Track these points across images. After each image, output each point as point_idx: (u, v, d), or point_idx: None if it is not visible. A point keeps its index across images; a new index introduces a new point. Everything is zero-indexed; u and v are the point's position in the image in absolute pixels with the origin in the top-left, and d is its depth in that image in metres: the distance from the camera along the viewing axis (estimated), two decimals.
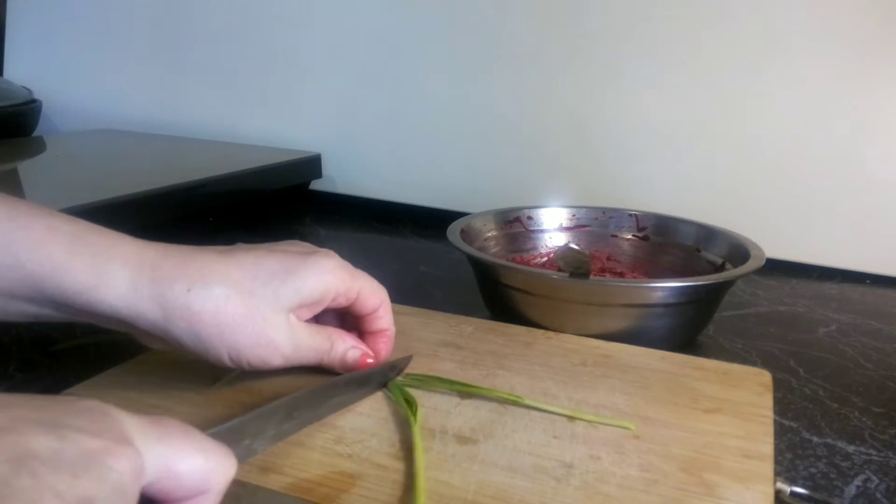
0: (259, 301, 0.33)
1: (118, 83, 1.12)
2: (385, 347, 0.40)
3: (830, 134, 0.70)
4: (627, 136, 0.78)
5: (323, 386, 0.35)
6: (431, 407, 0.37)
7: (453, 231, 0.56)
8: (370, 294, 0.38)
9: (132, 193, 0.68)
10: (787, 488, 0.33)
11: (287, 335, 0.35)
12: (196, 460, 0.23)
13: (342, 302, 0.38)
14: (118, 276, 0.31)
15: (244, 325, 0.33)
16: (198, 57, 1.03)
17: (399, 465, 0.32)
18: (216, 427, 0.28)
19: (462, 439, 0.34)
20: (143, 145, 1.00)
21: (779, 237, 0.70)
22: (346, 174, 0.95)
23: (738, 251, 0.54)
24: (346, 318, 0.41)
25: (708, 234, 0.59)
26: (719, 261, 0.57)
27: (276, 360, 0.35)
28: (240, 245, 0.37)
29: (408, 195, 0.91)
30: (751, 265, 0.50)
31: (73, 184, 0.76)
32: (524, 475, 0.31)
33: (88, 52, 1.12)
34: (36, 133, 1.08)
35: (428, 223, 0.85)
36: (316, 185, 0.96)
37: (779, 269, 0.72)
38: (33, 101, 1.06)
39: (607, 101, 0.79)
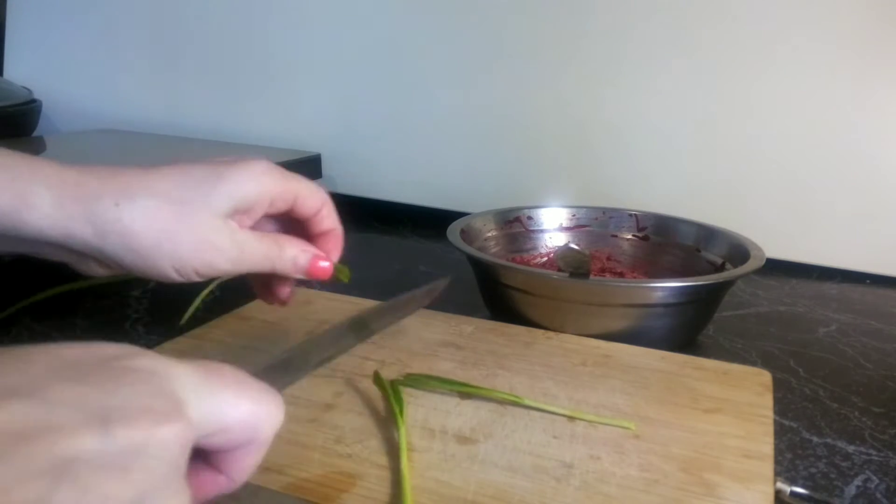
0: (190, 207, 0.33)
1: (118, 83, 1.12)
2: (335, 247, 0.39)
3: (830, 134, 0.70)
4: (627, 136, 0.78)
5: (370, 308, 0.36)
6: (431, 407, 0.37)
7: (453, 231, 0.56)
8: (309, 195, 0.37)
9: None
10: (787, 488, 0.33)
11: (228, 237, 0.34)
12: (247, 409, 0.22)
13: (280, 206, 0.36)
14: (41, 196, 0.31)
15: (180, 231, 0.32)
16: (198, 57, 1.03)
17: (399, 465, 0.32)
18: (265, 363, 0.28)
19: (462, 439, 0.34)
20: (143, 145, 1.00)
21: (779, 237, 0.70)
22: (346, 174, 0.95)
23: (738, 251, 0.54)
24: (289, 228, 0.40)
25: (708, 234, 0.59)
26: (719, 261, 0.57)
27: (223, 264, 0.34)
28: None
29: (408, 195, 0.91)
30: (751, 265, 0.50)
31: None
32: (524, 475, 0.31)
33: (88, 52, 1.12)
34: (36, 133, 1.08)
35: (428, 223, 0.85)
36: None
37: (779, 269, 0.72)
38: (33, 101, 1.06)
39: (607, 101, 0.79)
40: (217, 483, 0.23)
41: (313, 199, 0.38)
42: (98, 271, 0.34)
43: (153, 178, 0.33)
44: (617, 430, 0.35)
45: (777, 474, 0.33)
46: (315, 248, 0.38)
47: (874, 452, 0.40)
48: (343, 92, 0.93)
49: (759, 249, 0.53)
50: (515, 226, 0.65)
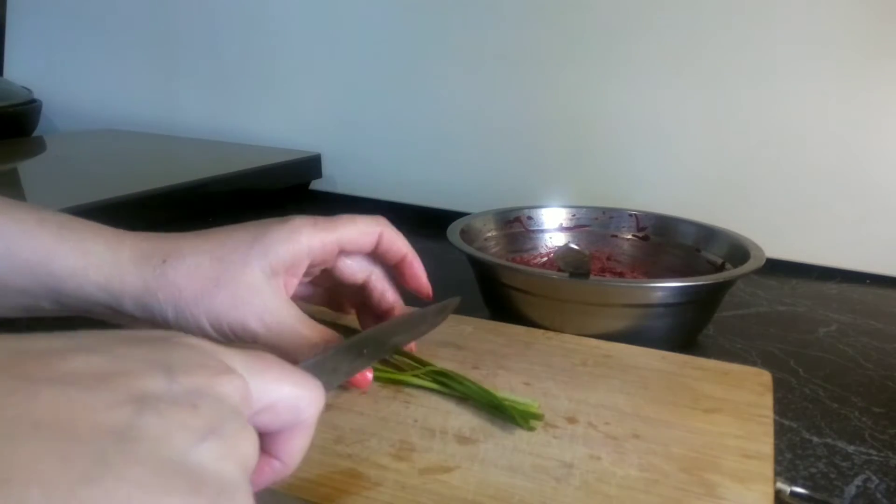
0: (230, 265, 0.34)
1: (118, 83, 1.12)
2: (412, 275, 0.41)
3: (830, 134, 0.70)
4: (627, 135, 0.78)
5: (386, 325, 0.37)
6: (432, 407, 0.37)
7: (453, 231, 0.56)
8: (357, 237, 0.38)
9: (132, 193, 0.68)
10: (787, 488, 0.33)
11: (263, 298, 0.35)
12: (291, 391, 0.24)
13: (327, 258, 0.38)
14: (102, 256, 0.33)
15: (217, 287, 0.34)
16: (198, 57, 1.03)
17: (399, 465, 0.32)
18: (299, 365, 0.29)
19: (462, 439, 0.34)
20: (143, 145, 1.00)
21: (779, 237, 0.70)
22: (346, 174, 0.95)
23: (738, 251, 0.54)
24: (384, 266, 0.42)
25: (708, 234, 0.59)
26: (719, 261, 0.57)
27: (254, 324, 0.35)
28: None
29: (408, 195, 0.91)
30: (751, 265, 0.50)
31: (73, 184, 0.76)
32: (524, 475, 0.31)
33: (88, 52, 1.12)
34: (36, 133, 1.08)
35: (428, 223, 0.85)
36: (316, 185, 0.96)
37: (779, 269, 0.72)
38: (33, 101, 1.06)
39: (607, 101, 0.79)
40: (272, 468, 0.24)
41: (363, 239, 0.39)
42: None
43: (200, 239, 0.35)
44: (617, 429, 0.35)
45: (777, 474, 0.33)
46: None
47: (874, 452, 0.40)
48: (343, 92, 0.93)
49: (759, 249, 0.53)
50: (515, 226, 0.65)
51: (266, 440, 0.24)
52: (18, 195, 0.69)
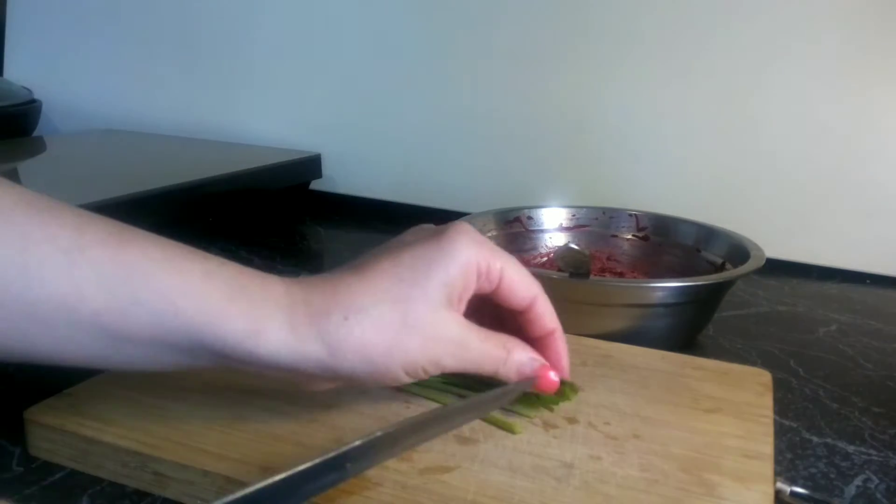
0: (412, 304, 0.31)
1: (118, 83, 1.12)
2: (556, 357, 0.36)
3: (831, 134, 0.70)
4: (627, 135, 0.78)
5: (455, 406, 0.35)
6: (431, 407, 0.37)
7: None
8: (518, 281, 0.35)
9: (132, 193, 0.68)
10: (787, 488, 0.33)
11: (451, 333, 0.32)
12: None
13: (485, 286, 0.34)
14: (277, 319, 0.30)
15: (407, 335, 0.31)
16: (198, 57, 1.03)
17: (399, 465, 0.32)
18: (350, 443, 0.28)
19: (462, 439, 0.34)
20: (143, 145, 1.00)
21: (779, 237, 0.70)
22: (346, 174, 0.95)
23: (738, 251, 0.54)
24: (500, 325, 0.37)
25: (708, 234, 0.59)
26: (719, 261, 0.57)
27: (448, 360, 0.32)
28: (366, 254, 0.35)
29: (408, 195, 0.91)
30: (751, 265, 0.50)
31: (73, 184, 0.76)
32: (524, 475, 0.31)
33: (88, 52, 1.12)
34: (36, 133, 1.08)
35: (428, 223, 0.85)
36: (316, 185, 0.95)
37: (779, 269, 0.72)
38: (33, 101, 1.06)
39: (607, 101, 0.79)
40: None
41: (523, 288, 0.35)
42: (324, 387, 0.34)
43: (370, 278, 0.32)
44: (617, 429, 0.35)
45: (777, 474, 0.33)
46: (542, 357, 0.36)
47: (874, 452, 0.40)
48: (343, 92, 0.93)
49: (759, 249, 0.53)
50: (515, 226, 0.65)
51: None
52: None
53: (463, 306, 0.34)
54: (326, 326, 0.30)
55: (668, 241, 0.62)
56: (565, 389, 0.37)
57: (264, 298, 0.30)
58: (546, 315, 0.36)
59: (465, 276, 0.33)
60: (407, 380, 0.32)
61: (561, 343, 0.37)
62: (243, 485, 0.26)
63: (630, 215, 0.65)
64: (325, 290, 0.31)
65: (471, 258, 0.33)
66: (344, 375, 0.31)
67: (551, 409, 0.37)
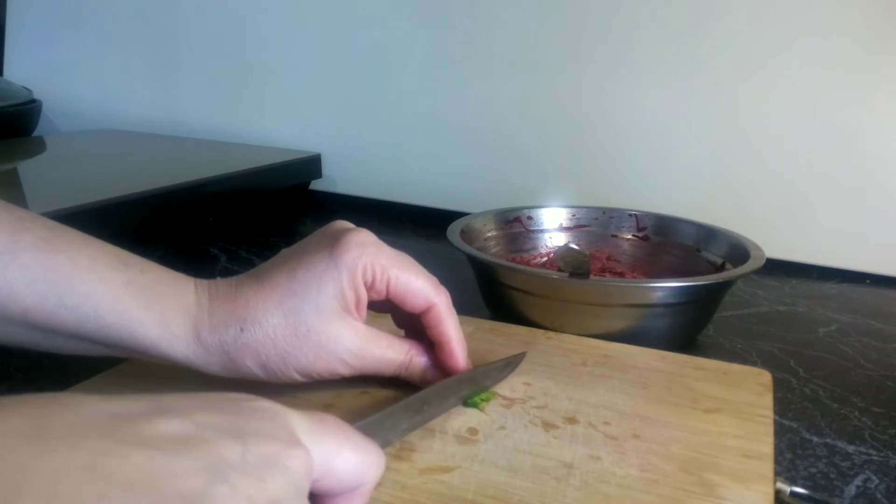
0: (303, 316, 0.34)
1: (118, 83, 1.12)
2: (451, 361, 0.37)
3: (830, 133, 0.70)
4: (627, 136, 0.78)
5: (448, 381, 0.36)
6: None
7: (453, 231, 0.56)
8: (409, 289, 0.36)
9: (132, 193, 0.68)
10: (787, 488, 0.33)
11: (345, 341, 0.34)
12: (352, 456, 0.24)
13: (374, 294, 0.35)
14: (184, 329, 0.33)
15: (299, 345, 0.34)
16: (198, 57, 1.03)
17: (399, 465, 0.32)
18: (361, 421, 0.30)
19: (462, 439, 0.34)
20: (143, 145, 1.00)
21: (779, 237, 0.70)
22: (346, 174, 0.95)
23: (738, 251, 0.54)
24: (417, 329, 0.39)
25: (708, 234, 0.59)
26: (719, 261, 0.57)
27: (341, 368, 0.35)
28: (271, 260, 0.36)
29: (408, 195, 0.91)
30: (751, 265, 0.50)
31: (73, 184, 0.76)
32: (524, 475, 0.31)
33: (88, 52, 1.12)
34: (36, 133, 1.08)
35: (428, 223, 0.85)
36: (316, 185, 0.96)
37: (779, 269, 0.72)
38: (33, 101, 1.06)
39: (607, 101, 0.79)
40: None
41: (415, 296, 0.36)
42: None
43: (267, 290, 0.34)
44: (617, 429, 0.35)
45: (777, 474, 0.33)
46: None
47: (874, 452, 0.40)
48: (343, 92, 0.93)
49: (759, 249, 0.53)
50: (515, 226, 0.65)
51: (323, 501, 0.24)
52: (18, 195, 0.69)
53: (363, 313, 0.36)
54: (225, 337, 0.33)
55: (668, 241, 0.62)
56: (475, 398, 0.38)
57: (176, 307, 0.33)
58: (442, 323, 0.37)
59: (355, 287, 0.35)
60: (305, 381, 0.35)
61: (453, 354, 0.37)
62: None
63: (630, 215, 0.65)
64: (227, 300, 0.34)
65: (357, 269, 0.34)
66: (246, 377, 0.34)
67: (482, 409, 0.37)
